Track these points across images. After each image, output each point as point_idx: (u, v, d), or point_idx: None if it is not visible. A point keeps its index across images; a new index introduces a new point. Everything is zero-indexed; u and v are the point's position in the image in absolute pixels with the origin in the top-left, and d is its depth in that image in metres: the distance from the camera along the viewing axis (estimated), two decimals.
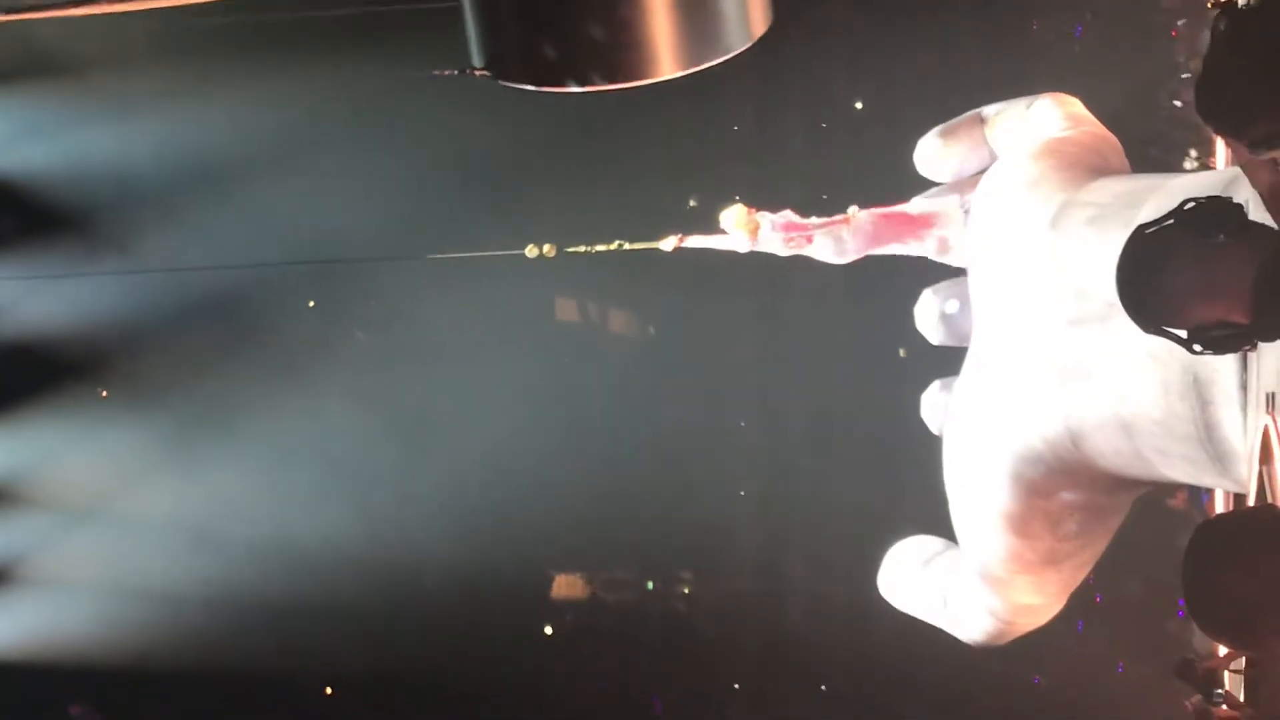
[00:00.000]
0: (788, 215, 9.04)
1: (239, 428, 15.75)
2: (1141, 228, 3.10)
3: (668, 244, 9.31)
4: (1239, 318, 2.94)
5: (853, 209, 8.99)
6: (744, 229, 9.04)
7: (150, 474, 15.48)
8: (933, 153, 8.85)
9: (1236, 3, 3.99)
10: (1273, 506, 3.57)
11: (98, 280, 14.31)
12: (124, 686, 15.72)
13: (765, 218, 9.03)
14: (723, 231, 9.16)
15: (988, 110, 8.74)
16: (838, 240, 8.96)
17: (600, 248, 9.36)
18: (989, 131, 8.66)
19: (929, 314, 9.02)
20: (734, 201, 9.17)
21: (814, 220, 8.99)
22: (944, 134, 8.82)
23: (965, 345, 8.74)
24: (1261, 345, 6.59)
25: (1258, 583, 2.95)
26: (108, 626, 15.26)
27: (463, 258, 11.44)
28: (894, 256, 9.24)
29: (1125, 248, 3.10)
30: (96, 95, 14.82)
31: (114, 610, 15.26)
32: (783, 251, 9.05)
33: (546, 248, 9.37)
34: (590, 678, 18.16)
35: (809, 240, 8.98)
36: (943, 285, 9.06)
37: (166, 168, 15.34)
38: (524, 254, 9.42)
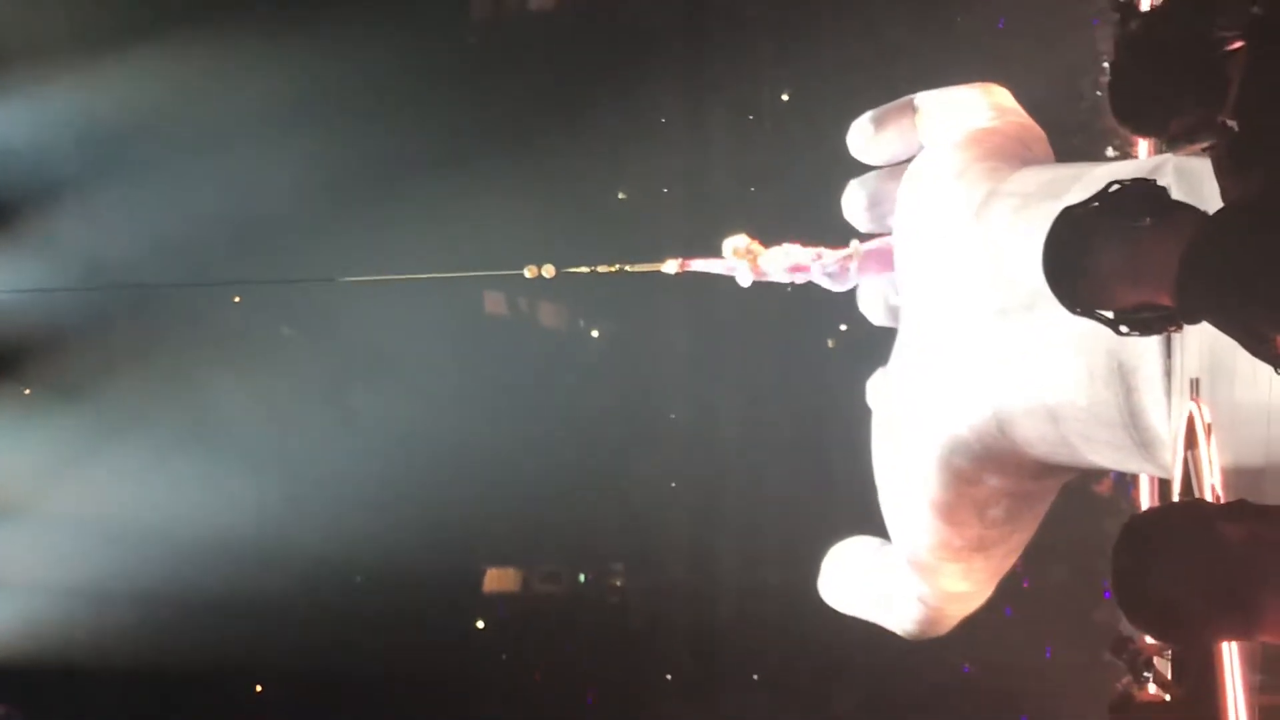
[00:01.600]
0: (794, 254, 9.06)
1: (164, 423, 15.59)
2: (1067, 209, 3.13)
3: (670, 267, 9.31)
4: (1164, 299, 2.98)
5: (855, 243, 9.05)
6: (744, 260, 9.09)
7: (74, 470, 15.29)
8: (865, 137, 8.91)
9: (1138, 4, 4.03)
10: (1200, 501, 3.63)
11: (15, 273, 14.13)
12: (49, 686, 15.55)
13: (770, 259, 9.06)
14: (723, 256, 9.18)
15: (919, 98, 8.79)
16: (844, 273, 9.06)
17: (602, 269, 9.30)
18: (918, 119, 8.71)
19: (872, 297, 9.08)
20: (732, 233, 9.14)
21: (821, 260, 9.03)
22: (876, 119, 8.87)
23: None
24: (1186, 331, 6.69)
25: (1183, 578, 2.99)
26: (31, 625, 15.06)
27: (461, 277, 11.37)
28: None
29: (1051, 229, 3.13)
30: (12, 79, 14.66)
31: (39, 608, 15.06)
32: (785, 282, 9.13)
33: (546, 268, 9.31)
34: (523, 671, 18.17)
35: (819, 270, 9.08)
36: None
37: (84, 152, 15.19)
38: (523, 274, 9.38)
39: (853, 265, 9.00)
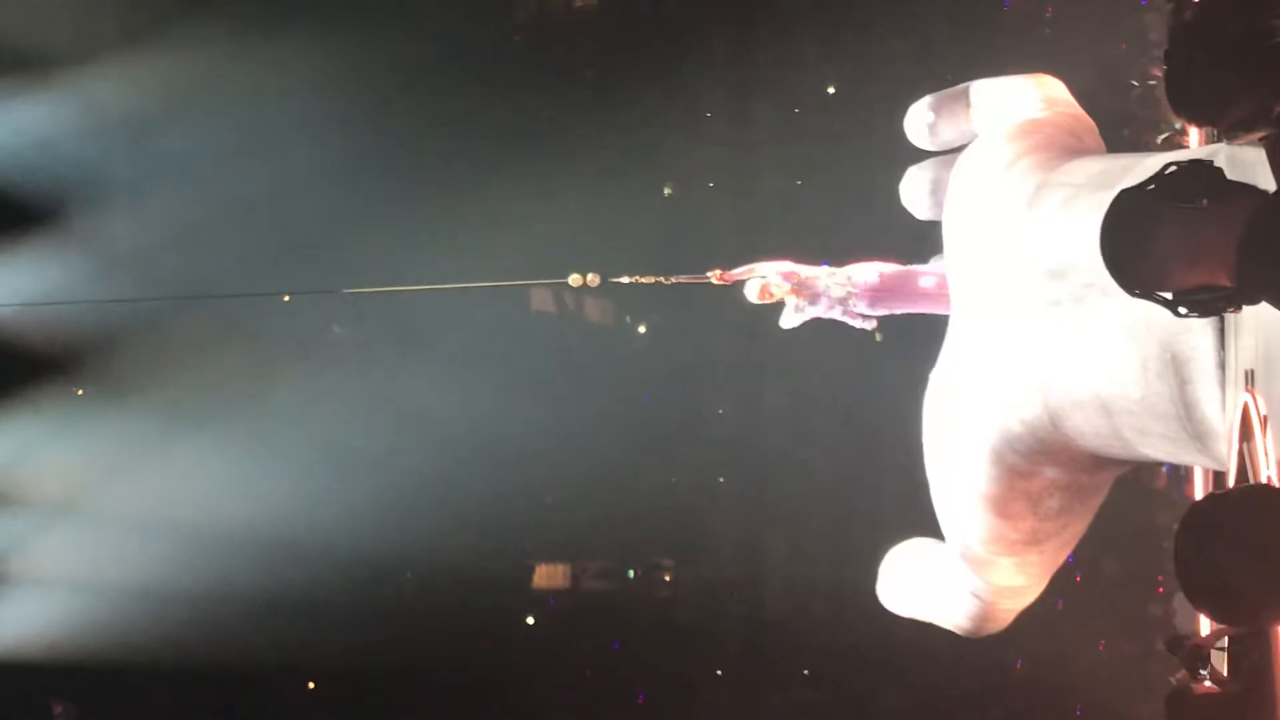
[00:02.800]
0: (820, 308, 9.19)
1: (216, 423, 15.69)
2: (1124, 192, 3.12)
3: (711, 276, 9.41)
4: (1223, 280, 2.96)
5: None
6: (762, 300, 9.21)
7: (127, 471, 15.41)
8: (922, 122, 8.91)
9: None
10: (1262, 486, 3.60)
11: (69, 275, 14.26)
12: (106, 683, 15.68)
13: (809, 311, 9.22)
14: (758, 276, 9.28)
15: (973, 87, 8.76)
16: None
17: (645, 280, 9.38)
18: (971, 109, 8.69)
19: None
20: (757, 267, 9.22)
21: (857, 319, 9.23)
22: (933, 105, 8.88)
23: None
24: (1240, 322, 6.61)
25: (1245, 560, 2.99)
26: (89, 623, 15.20)
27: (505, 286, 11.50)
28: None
29: (1109, 211, 3.12)
30: (64, 86, 14.78)
31: (94, 607, 15.20)
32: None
33: (590, 276, 9.40)
34: (573, 666, 18.18)
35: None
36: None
37: (135, 155, 15.31)
38: (567, 283, 9.51)
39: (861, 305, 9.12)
